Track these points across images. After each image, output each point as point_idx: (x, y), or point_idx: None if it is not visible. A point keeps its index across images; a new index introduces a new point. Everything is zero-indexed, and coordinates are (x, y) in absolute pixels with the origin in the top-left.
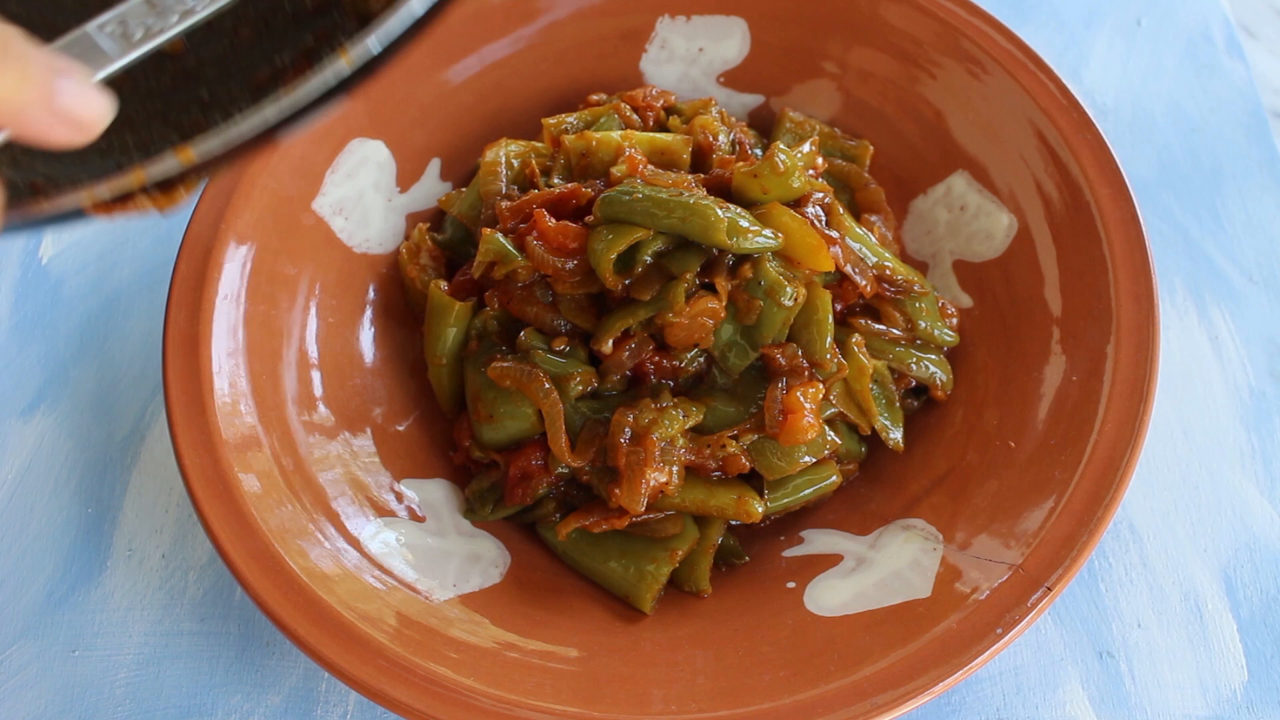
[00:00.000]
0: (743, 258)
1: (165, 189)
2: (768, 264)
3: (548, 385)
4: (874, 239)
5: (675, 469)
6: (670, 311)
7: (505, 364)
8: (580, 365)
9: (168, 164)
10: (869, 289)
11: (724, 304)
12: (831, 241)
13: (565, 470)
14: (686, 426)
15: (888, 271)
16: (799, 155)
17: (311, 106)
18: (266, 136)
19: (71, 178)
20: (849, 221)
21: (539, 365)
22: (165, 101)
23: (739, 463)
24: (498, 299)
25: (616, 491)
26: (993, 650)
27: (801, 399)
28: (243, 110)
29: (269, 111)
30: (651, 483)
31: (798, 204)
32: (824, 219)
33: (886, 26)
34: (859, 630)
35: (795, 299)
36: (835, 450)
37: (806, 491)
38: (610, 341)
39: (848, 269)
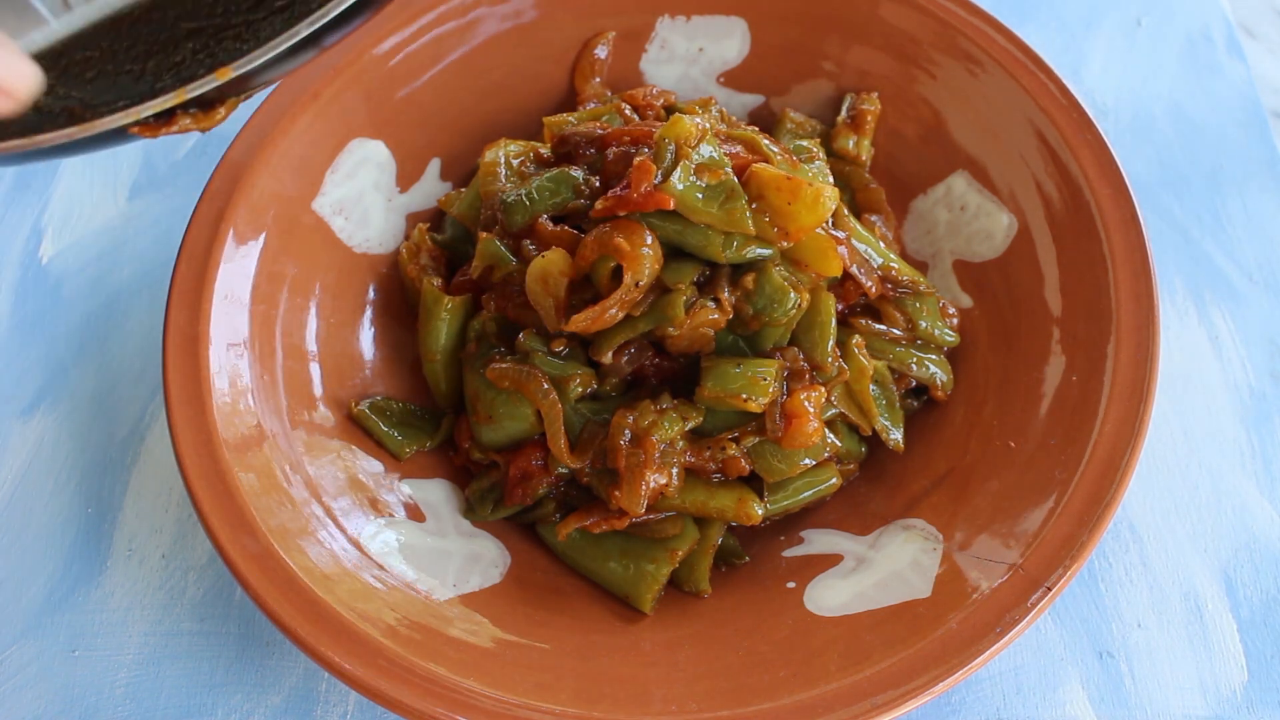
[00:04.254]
0: (744, 265)
1: (206, 108)
2: (773, 271)
3: (546, 386)
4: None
5: (675, 471)
6: (671, 325)
7: (504, 365)
8: (579, 367)
9: (206, 83)
10: (875, 290)
11: (726, 315)
12: (839, 242)
13: (565, 471)
14: (686, 429)
15: (893, 272)
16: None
17: (343, 17)
18: (299, 49)
19: (109, 102)
20: (853, 222)
21: (538, 366)
22: (198, 25)
23: (739, 465)
24: (494, 302)
25: (616, 493)
26: (993, 650)
27: (805, 403)
28: (274, 29)
29: (299, 26)
30: (651, 485)
31: None
32: (830, 220)
33: (886, 26)
34: (859, 630)
35: (798, 306)
36: (835, 452)
37: (806, 494)
38: (610, 354)
39: (853, 269)
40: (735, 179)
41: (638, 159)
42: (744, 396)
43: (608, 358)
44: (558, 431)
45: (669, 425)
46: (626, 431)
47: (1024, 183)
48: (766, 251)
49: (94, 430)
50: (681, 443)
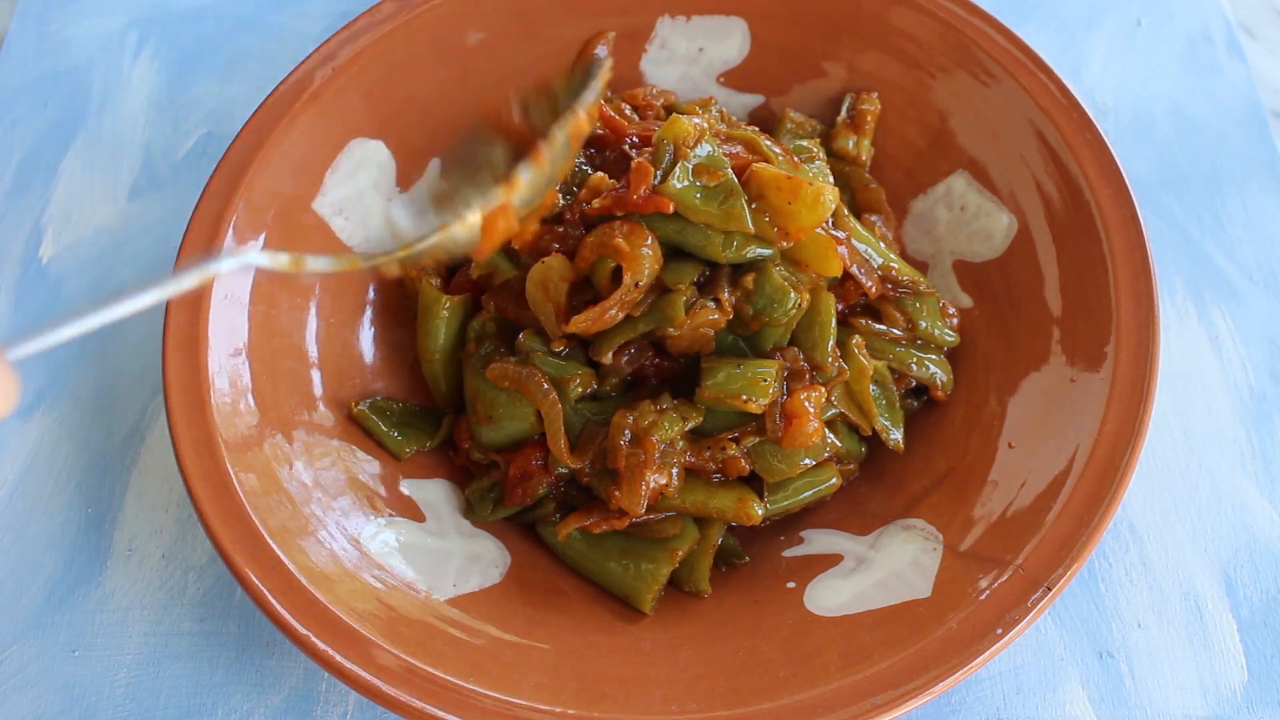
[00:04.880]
0: (744, 265)
1: None
2: (773, 271)
3: (546, 386)
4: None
5: (675, 471)
6: (671, 325)
7: (504, 365)
8: (579, 367)
9: None
10: (875, 290)
11: (726, 315)
12: (839, 242)
13: (565, 471)
14: (686, 429)
15: (893, 272)
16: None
17: None
18: None
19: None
20: (853, 222)
21: (538, 366)
22: None
23: (739, 465)
24: (494, 302)
25: (616, 493)
26: (993, 650)
27: (805, 403)
28: None
29: None
30: (651, 485)
31: None
32: (830, 220)
33: (887, 27)
34: (859, 630)
35: (798, 306)
36: (835, 452)
37: (806, 494)
38: (610, 354)
39: (854, 269)
40: (735, 179)
41: (636, 160)
42: (744, 397)
43: (608, 358)
44: (558, 431)
45: (669, 425)
46: (626, 431)
47: (1024, 183)
48: (766, 251)
49: (94, 430)
50: (681, 443)
